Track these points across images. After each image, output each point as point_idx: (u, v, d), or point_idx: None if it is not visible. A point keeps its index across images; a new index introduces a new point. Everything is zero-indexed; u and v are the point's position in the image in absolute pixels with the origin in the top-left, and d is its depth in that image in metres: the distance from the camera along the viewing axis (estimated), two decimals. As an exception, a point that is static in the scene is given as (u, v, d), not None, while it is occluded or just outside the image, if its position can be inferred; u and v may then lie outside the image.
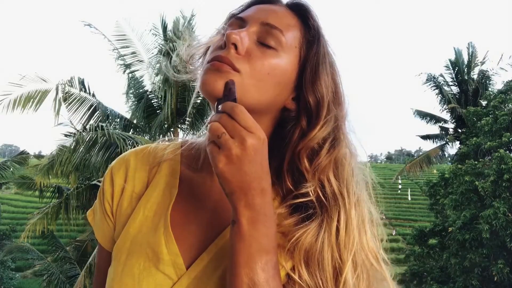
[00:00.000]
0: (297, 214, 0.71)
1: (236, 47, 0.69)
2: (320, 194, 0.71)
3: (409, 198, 33.70)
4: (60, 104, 8.79)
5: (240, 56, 0.69)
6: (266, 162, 0.63)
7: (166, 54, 8.92)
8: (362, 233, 0.72)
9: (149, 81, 10.42)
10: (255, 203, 0.62)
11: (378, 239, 0.76)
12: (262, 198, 0.62)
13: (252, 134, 0.60)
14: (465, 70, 18.29)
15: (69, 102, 9.36)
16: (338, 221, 0.70)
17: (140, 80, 10.54)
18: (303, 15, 0.75)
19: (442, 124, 18.58)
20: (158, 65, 9.75)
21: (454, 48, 18.83)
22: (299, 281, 0.68)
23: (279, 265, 0.65)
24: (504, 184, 9.92)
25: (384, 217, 0.80)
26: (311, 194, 0.70)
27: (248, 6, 0.78)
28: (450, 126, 18.42)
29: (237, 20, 0.75)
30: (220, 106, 0.63)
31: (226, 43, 0.69)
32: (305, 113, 0.73)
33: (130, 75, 10.50)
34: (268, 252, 0.63)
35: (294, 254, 0.69)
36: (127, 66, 10.47)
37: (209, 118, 0.63)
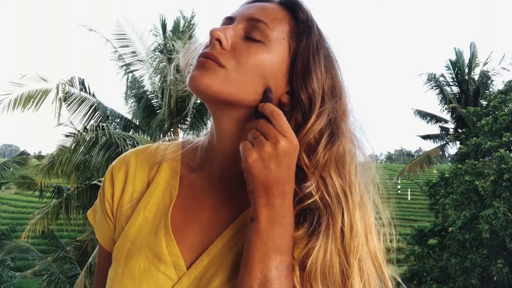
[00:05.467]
0: (307, 224, 0.69)
1: (220, 43, 0.69)
2: (325, 193, 0.68)
3: (409, 198, 33.67)
4: (60, 104, 8.79)
5: (225, 51, 0.69)
6: (294, 167, 0.66)
7: (166, 54, 8.91)
8: (369, 238, 0.71)
9: (149, 81, 10.41)
10: (275, 203, 0.64)
11: (383, 250, 0.74)
12: (282, 200, 0.65)
13: (286, 138, 0.64)
14: (466, 70, 18.27)
15: (69, 102, 9.36)
16: (342, 222, 0.68)
17: (140, 80, 10.53)
18: (293, 9, 0.74)
19: (443, 124, 18.56)
20: (158, 65, 9.73)
21: (455, 48, 18.82)
22: None
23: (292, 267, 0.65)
24: (504, 184, 9.92)
25: (390, 217, 0.78)
26: (314, 193, 0.68)
27: (241, 7, 0.77)
28: (451, 126, 18.41)
29: (226, 20, 0.75)
30: (259, 106, 0.68)
31: (211, 40, 0.70)
32: (299, 107, 0.71)
33: (130, 75, 10.49)
34: (283, 253, 0.64)
35: (310, 274, 0.67)
36: (127, 66, 10.45)
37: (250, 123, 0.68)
